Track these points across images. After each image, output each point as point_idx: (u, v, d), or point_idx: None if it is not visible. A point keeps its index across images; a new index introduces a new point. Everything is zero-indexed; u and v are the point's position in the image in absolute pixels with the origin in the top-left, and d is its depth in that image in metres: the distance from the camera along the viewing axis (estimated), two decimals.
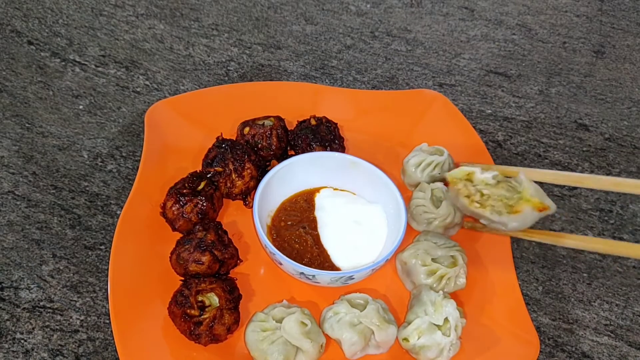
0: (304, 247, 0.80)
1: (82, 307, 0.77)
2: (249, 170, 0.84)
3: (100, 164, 0.92)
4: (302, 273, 0.74)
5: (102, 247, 0.82)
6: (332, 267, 0.78)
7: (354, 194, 0.87)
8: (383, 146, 0.95)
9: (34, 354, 0.72)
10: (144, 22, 1.15)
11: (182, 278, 0.76)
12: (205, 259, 0.74)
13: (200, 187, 0.81)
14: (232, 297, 0.73)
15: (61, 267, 0.80)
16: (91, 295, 0.78)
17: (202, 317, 0.70)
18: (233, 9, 1.20)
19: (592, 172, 0.97)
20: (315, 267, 0.75)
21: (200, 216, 0.80)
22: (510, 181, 0.71)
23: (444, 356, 0.71)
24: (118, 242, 0.77)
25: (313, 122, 0.90)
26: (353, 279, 0.75)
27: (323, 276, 0.74)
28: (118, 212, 0.86)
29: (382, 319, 0.71)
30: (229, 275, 0.79)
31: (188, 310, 0.70)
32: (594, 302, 0.82)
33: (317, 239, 0.81)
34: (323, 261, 0.79)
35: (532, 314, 0.80)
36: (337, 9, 1.22)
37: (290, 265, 0.74)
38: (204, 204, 0.80)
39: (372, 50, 1.14)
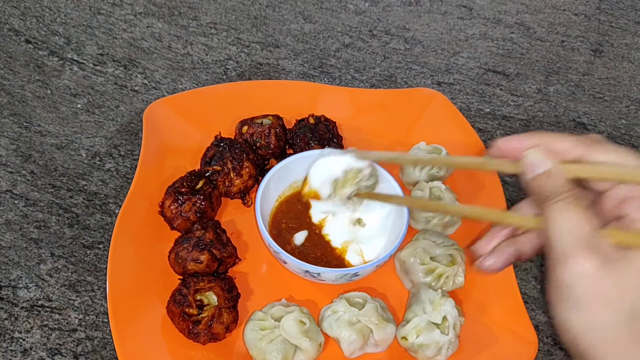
0: (308, 249, 0.80)
1: (80, 306, 0.77)
2: (247, 169, 0.84)
3: (98, 162, 0.92)
4: (307, 271, 0.74)
5: (101, 246, 0.82)
6: (337, 265, 0.78)
7: None
8: (381, 145, 0.95)
9: (32, 353, 0.72)
10: (142, 20, 1.15)
11: (181, 277, 0.76)
12: (203, 257, 0.74)
13: (198, 186, 0.81)
14: (231, 295, 0.73)
15: (59, 266, 0.80)
16: (89, 294, 0.78)
17: (201, 315, 0.70)
18: (231, 7, 1.19)
19: None
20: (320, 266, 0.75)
21: (198, 215, 0.80)
22: None
23: (443, 354, 0.71)
24: (116, 241, 0.77)
25: (311, 120, 0.90)
26: (358, 275, 0.75)
27: (328, 274, 0.74)
28: (116, 211, 0.86)
29: (380, 318, 0.71)
30: (228, 274, 0.79)
31: (186, 309, 0.70)
32: None
33: (320, 239, 0.81)
34: (328, 261, 0.79)
35: (531, 312, 0.80)
36: (335, 7, 1.22)
37: (295, 264, 0.74)
38: (203, 203, 0.80)
39: (371, 48, 1.14)
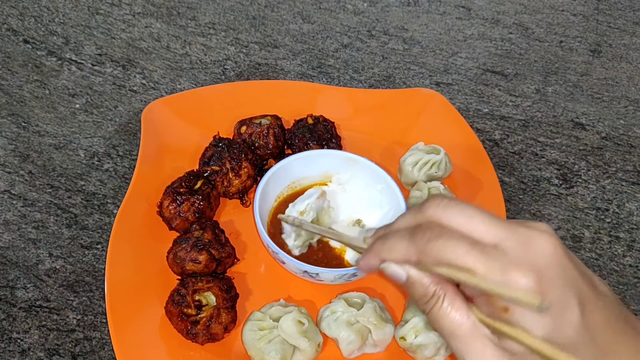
0: (307, 251, 0.80)
1: (78, 306, 0.76)
2: (246, 169, 0.84)
3: (96, 163, 0.92)
4: (305, 271, 0.74)
5: (99, 246, 0.82)
6: (336, 265, 0.78)
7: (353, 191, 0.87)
8: (380, 145, 0.95)
9: (31, 353, 0.72)
10: (141, 20, 1.15)
11: (179, 277, 0.76)
12: (202, 258, 0.74)
13: (197, 186, 0.81)
14: (229, 296, 0.73)
15: (57, 267, 0.80)
16: (88, 294, 0.78)
17: (199, 316, 0.70)
18: (230, 7, 1.19)
19: (588, 170, 0.97)
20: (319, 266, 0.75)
21: (197, 215, 0.80)
22: None
23: (441, 355, 0.71)
24: (115, 241, 0.77)
25: (310, 120, 0.90)
26: (357, 275, 0.75)
27: (327, 274, 0.74)
28: (115, 211, 0.86)
29: (379, 318, 0.71)
30: (226, 274, 0.79)
31: (185, 310, 0.70)
32: None
33: (320, 241, 0.81)
34: (327, 261, 0.79)
35: None
36: (334, 7, 1.22)
37: (293, 264, 0.74)
38: (201, 203, 0.80)
39: (369, 49, 1.14)
